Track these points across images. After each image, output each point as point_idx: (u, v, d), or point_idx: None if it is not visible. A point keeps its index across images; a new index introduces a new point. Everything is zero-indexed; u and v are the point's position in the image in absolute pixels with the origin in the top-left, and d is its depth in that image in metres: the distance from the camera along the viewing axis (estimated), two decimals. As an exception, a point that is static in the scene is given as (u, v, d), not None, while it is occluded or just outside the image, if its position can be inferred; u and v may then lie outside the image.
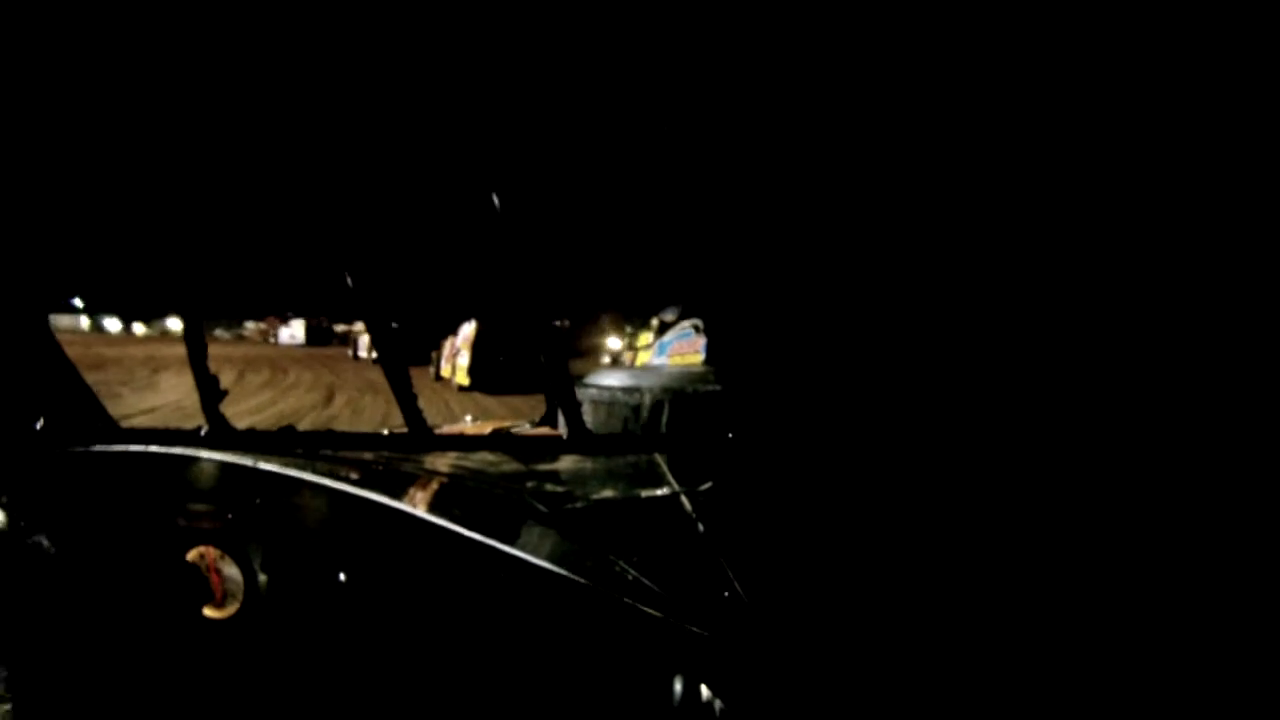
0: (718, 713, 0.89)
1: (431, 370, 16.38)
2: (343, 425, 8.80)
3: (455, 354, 14.89)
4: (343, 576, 1.25)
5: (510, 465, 1.74)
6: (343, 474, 1.40)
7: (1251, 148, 1.55)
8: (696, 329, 3.67)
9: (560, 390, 1.79)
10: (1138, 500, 1.27)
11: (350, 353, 23.45)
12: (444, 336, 15.95)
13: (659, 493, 1.44)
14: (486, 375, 13.64)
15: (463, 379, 14.10)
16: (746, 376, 2.24)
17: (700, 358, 3.55)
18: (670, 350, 3.79)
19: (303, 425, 7.15)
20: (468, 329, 14.41)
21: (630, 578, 1.04)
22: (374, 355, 15.73)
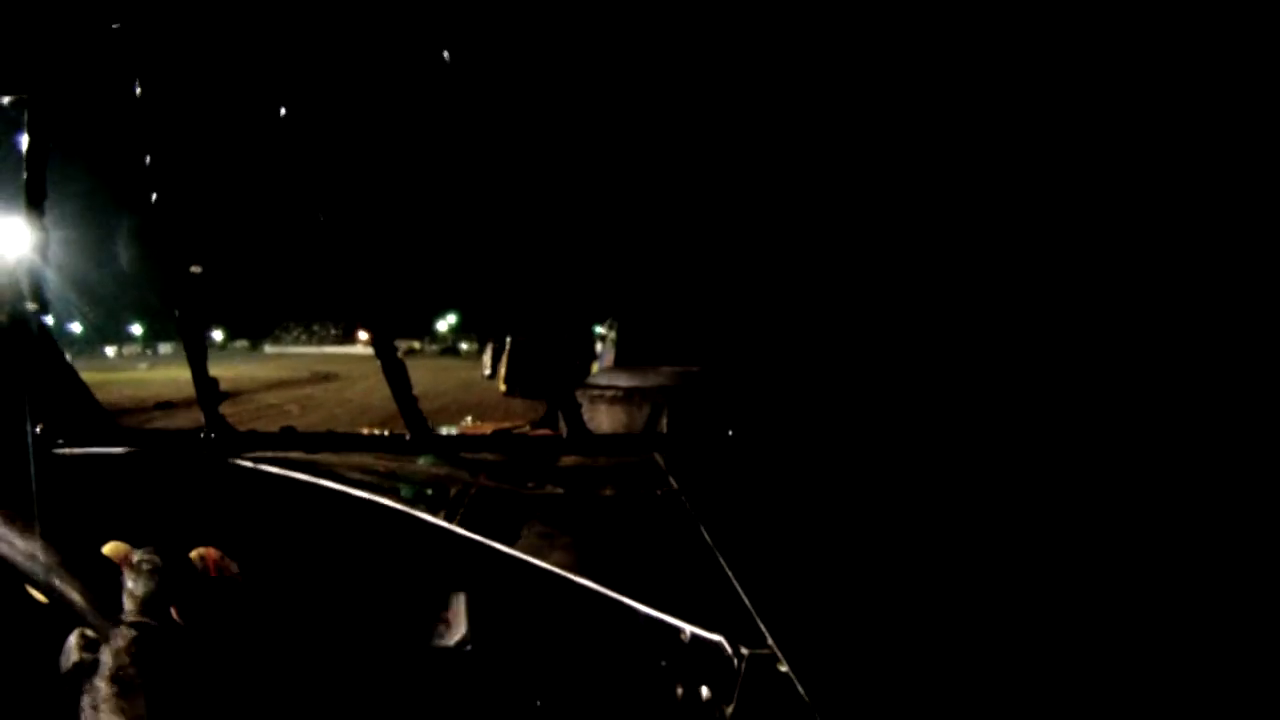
0: (719, 714, 0.89)
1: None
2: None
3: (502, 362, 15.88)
4: (343, 577, 1.25)
5: (510, 466, 1.74)
6: (343, 475, 1.40)
7: (1251, 148, 1.55)
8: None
9: (560, 391, 1.79)
10: (1138, 500, 1.27)
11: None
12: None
13: (659, 493, 1.44)
14: (521, 381, 14.19)
15: (501, 385, 14.95)
16: (746, 377, 2.24)
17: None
18: (604, 360, 3.88)
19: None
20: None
21: (631, 578, 1.04)
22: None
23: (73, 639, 0.99)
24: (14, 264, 1.61)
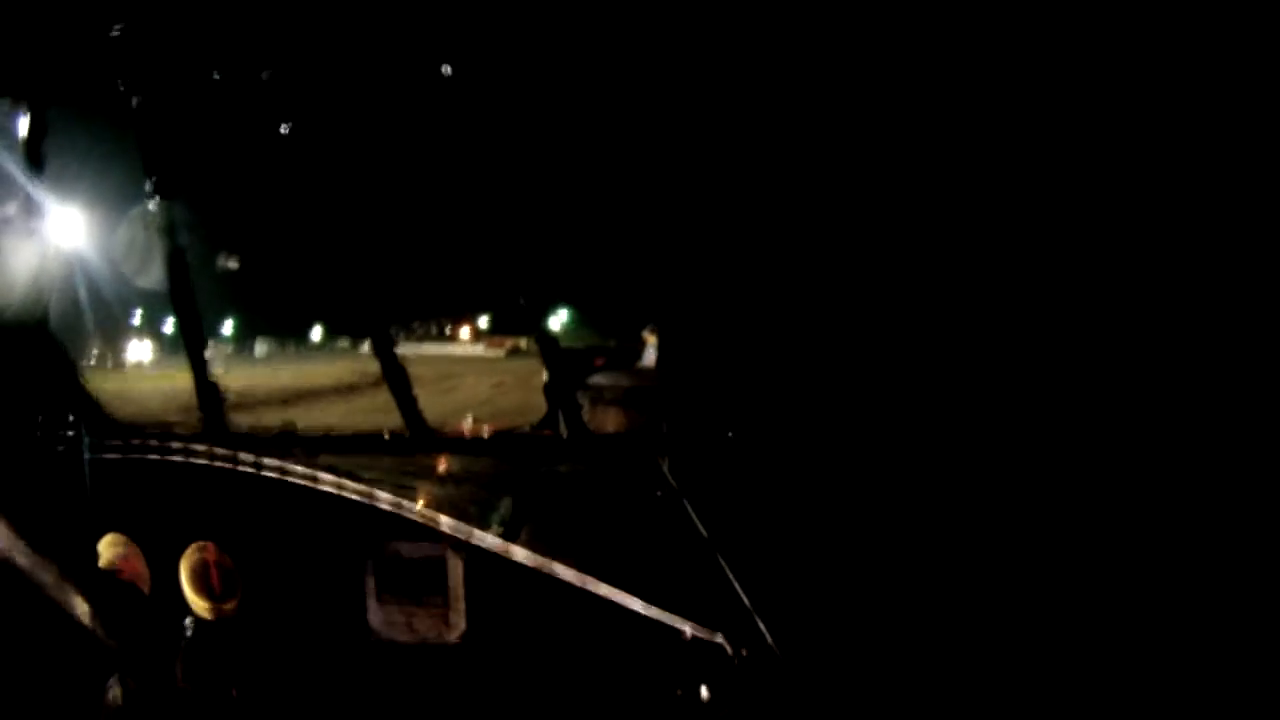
0: (719, 713, 0.89)
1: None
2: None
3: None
4: (342, 576, 1.25)
5: (511, 467, 1.73)
6: (343, 475, 1.40)
7: (1251, 148, 1.55)
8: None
9: (560, 392, 1.79)
10: (1138, 500, 1.27)
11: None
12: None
13: (659, 493, 1.44)
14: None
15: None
16: (747, 376, 2.23)
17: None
18: (647, 363, 3.93)
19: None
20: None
21: (631, 578, 1.04)
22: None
23: (115, 685, 0.99)
24: (15, 266, 1.61)
